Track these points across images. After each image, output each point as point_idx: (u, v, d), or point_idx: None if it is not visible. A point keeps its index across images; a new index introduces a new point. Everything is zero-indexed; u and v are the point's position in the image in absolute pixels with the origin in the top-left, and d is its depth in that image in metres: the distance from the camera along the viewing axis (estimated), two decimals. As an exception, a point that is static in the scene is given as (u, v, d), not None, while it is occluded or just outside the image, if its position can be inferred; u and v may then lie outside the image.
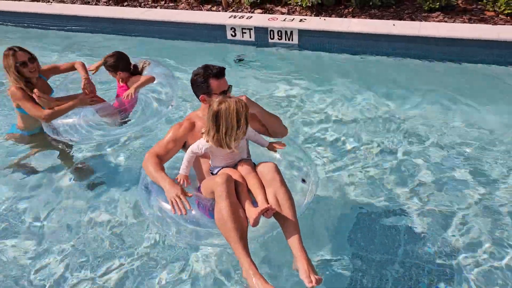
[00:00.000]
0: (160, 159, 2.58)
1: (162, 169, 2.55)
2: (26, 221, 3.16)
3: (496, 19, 5.31)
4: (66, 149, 3.70)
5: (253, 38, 5.78)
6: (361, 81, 4.73)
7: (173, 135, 2.63)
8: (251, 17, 5.89)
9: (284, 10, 6.15)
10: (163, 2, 7.08)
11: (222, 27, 5.89)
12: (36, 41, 6.56)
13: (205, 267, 2.74)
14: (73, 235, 3.00)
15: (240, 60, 5.46)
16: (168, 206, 2.39)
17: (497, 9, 5.36)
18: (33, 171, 3.59)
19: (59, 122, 3.26)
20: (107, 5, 7.36)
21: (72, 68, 3.55)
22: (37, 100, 3.18)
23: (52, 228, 3.08)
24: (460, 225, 2.86)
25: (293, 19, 5.68)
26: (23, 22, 7.25)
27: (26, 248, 2.94)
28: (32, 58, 3.24)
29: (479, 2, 5.63)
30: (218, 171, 2.60)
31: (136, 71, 3.61)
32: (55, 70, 3.57)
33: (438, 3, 5.52)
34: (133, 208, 3.18)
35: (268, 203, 2.35)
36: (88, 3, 7.59)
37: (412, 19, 5.51)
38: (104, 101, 3.52)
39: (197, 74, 2.61)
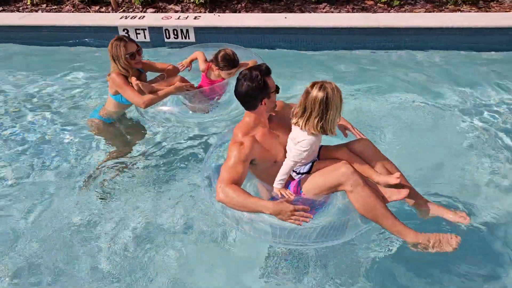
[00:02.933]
0: (237, 185, 2.34)
1: (249, 193, 2.32)
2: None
3: (375, 7, 5.76)
4: (126, 147, 3.78)
5: (148, 39, 5.59)
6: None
7: (240, 156, 2.38)
8: (144, 17, 5.69)
9: (178, 8, 6.04)
10: (45, 5, 6.53)
11: (113, 29, 5.60)
12: None
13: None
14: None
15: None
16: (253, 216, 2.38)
17: (376, -2, 5.82)
18: None
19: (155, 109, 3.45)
20: (-22, 11, 6.59)
21: (164, 69, 3.57)
22: (136, 88, 3.24)
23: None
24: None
25: (187, 16, 5.60)
26: None
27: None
28: (139, 50, 3.30)
29: (360, -8, 6.07)
30: (310, 167, 2.49)
31: None
32: (151, 66, 3.58)
33: (323, -5, 5.84)
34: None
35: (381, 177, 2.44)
36: (-47, 10, 6.72)
37: (302, 11, 5.75)
38: (196, 88, 3.52)
39: (254, 78, 2.39)
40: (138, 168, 3.62)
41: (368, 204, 2.31)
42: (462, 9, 5.57)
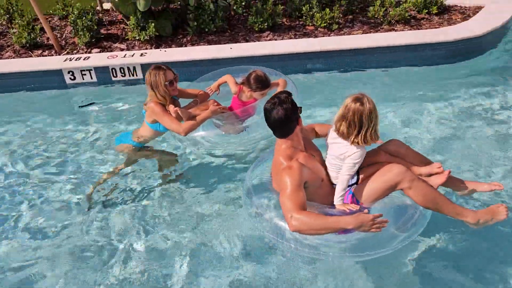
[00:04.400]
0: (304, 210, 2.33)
1: (321, 214, 2.34)
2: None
3: (316, 32, 6.01)
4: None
5: (94, 79, 5.54)
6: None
7: (296, 180, 2.38)
8: (89, 57, 5.65)
9: (123, 46, 6.04)
10: (-17, 53, 6.34)
11: (58, 72, 5.52)
12: None
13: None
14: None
15: (89, 104, 5.18)
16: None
17: (315, 23, 6.08)
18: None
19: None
20: None
21: (196, 95, 3.73)
22: (174, 115, 3.28)
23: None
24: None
25: (134, 54, 5.61)
26: None
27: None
28: (176, 77, 3.36)
29: (300, 19, 6.32)
30: (357, 177, 2.64)
31: None
32: (184, 93, 3.68)
33: (266, 24, 6.03)
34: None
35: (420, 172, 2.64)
36: None
37: (247, 41, 5.90)
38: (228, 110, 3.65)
39: (286, 101, 2.47)
40: (171, 187, 3.72)
41: (428, 195, 2.45)
42: (396, 28, 5.91)
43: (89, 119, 4.87)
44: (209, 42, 5.93)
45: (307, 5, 6.21)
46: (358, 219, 2.22)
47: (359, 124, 2.43)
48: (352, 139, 2.49)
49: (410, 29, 5.84)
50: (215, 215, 3.37)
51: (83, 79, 5.53)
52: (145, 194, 3.65)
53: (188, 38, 6.05)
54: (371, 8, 6.18)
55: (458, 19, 5.99)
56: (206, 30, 6.04)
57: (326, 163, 2.71)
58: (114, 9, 6.76)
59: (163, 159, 3.92)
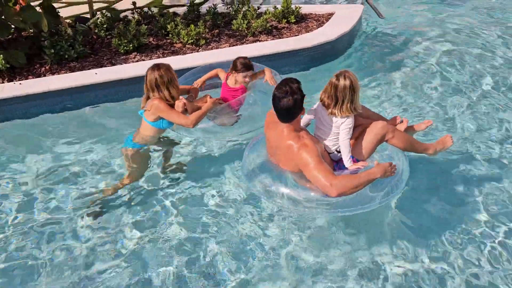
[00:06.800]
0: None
1: (350, 174, 2.72)
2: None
3: (184, 49, 6.00)
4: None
5: None
6: (85, 137, 4.64)
7: (315, 154, 2.67)
8: None
9: (-31, 83, 5.33)
10: None
11: None
12: None
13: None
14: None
15: None
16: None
17: (183, 40, 6.06)
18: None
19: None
20: None
21: (189, 91, 3.95)
22: (181, 109, 3.45)
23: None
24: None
25: (-18, 91, 4.99)
26: None
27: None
28: None
29: (167, 37, 6.25)
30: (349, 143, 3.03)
31: None
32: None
33: (131, 45, 5.83)
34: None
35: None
36: None
37: (113, 64, 5.64)
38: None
39: (297, 91, 2.73)
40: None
41: (407, 139, 3.04)
42: (260, 39, 6.17)
43: None
44: (72, 69, 5.53)
45: (172, 22, 6.17)
46: (381, 168, 2.66)
47: (335, 97, 2.86)
48: (330, 110, 2.92)
49: (273, 39, 6.13)
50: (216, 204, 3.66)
51: None
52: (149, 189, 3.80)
53: (47, 67, 5.57)
54: (234, 21, 6.37)
55: (314, 26, 6.47)
56: (66, 56, 5.63)
57: (324, 136, 3.08)
58: (-47, 43, 5.95)
59: (169, 150, 4.07)
